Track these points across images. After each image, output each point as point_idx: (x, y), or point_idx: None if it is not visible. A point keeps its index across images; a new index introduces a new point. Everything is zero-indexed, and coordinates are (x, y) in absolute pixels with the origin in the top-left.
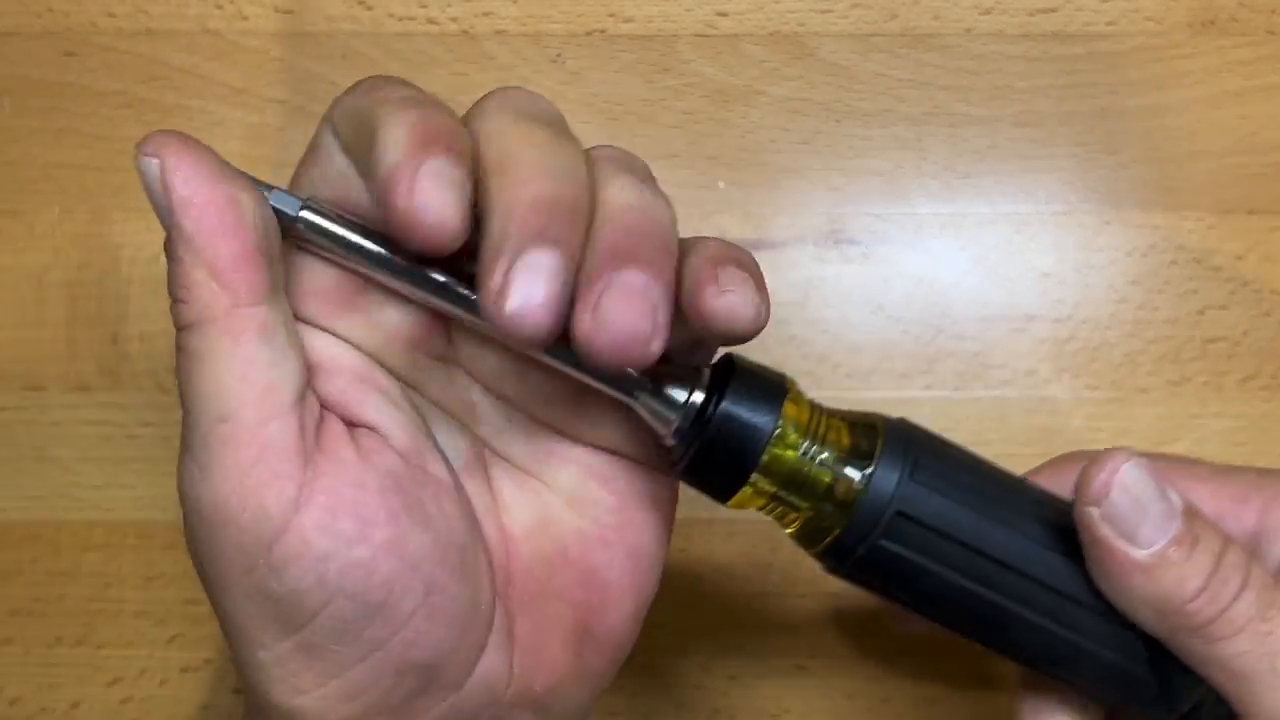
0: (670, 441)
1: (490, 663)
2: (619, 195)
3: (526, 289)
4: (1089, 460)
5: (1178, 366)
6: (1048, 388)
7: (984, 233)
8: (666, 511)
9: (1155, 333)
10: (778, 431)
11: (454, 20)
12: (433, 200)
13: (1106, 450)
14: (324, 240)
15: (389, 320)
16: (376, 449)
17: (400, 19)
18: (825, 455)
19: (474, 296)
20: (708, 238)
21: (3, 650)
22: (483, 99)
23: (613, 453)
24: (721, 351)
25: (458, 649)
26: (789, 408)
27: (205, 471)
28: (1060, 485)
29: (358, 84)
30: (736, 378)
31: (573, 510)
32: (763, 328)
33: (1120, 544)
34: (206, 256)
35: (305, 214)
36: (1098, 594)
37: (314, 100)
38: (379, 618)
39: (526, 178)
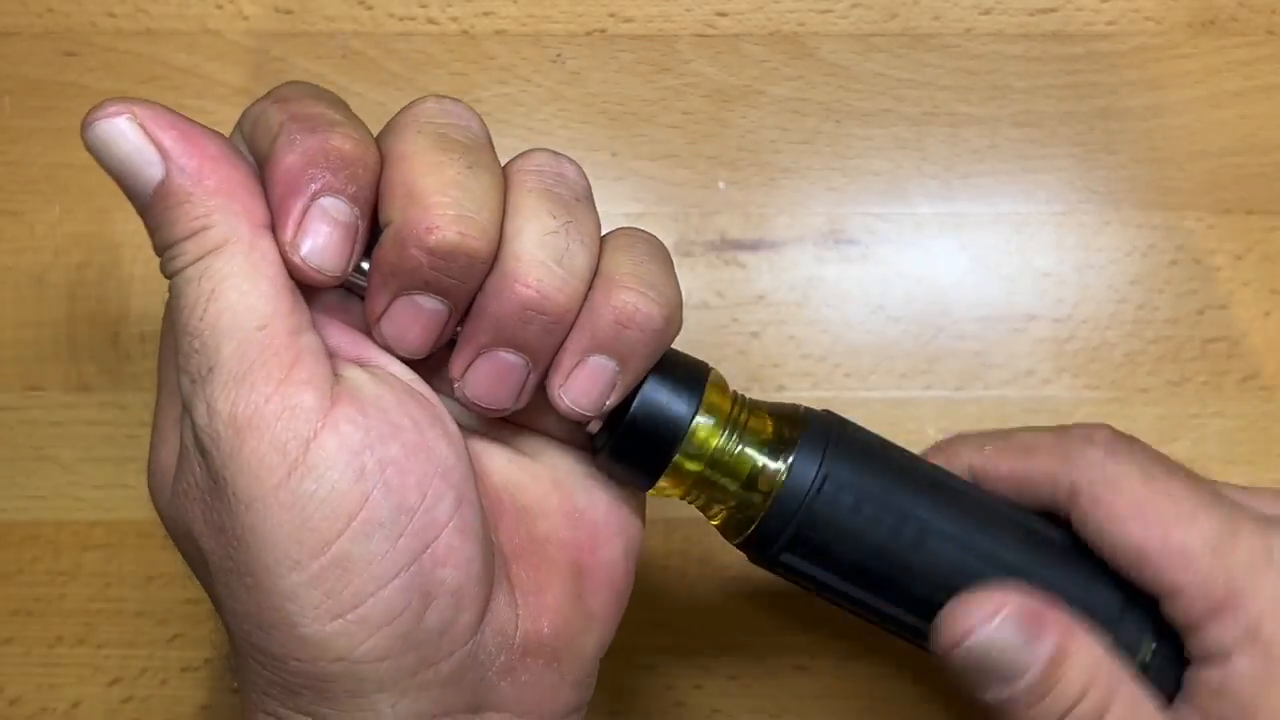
0: (594, 429)
1: (498, 607)
2: (523, 249)
3: (401, 333)
4: (956, 601)
5: (1177, 366)
6: (1048, 388)
7: (984, 233)
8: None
9: (1155, 333)
10: (697, 419)
11: (454, 20)
12: (315, 246)
13: (978, 595)
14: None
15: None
16: (386, 375)
17: (400, 19)
18: (747, 444)
19: None
20: (625, 287)
21: (3, 650)
22: (401, 112)
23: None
24: None
25: (481, 579)
26: (711, 396)
27: (241, 382)
28: (954, 465)
29: (271, 91)
30: (656, 367)
31: (548, 458)
32: (610, 407)
33: (969, 683)
34: (217, 184)
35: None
36: (1031, 559)
37: None
38: (414, 524)
39: (426, 221)
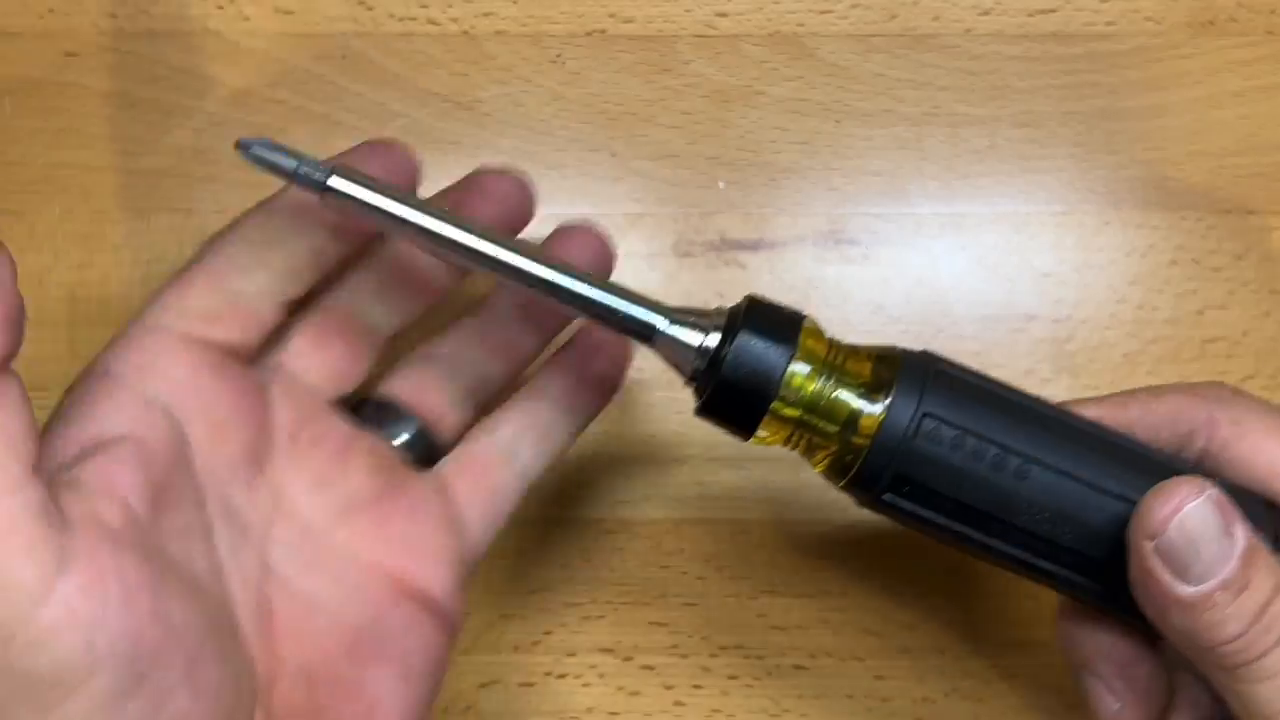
0: (690, 384)
1: None
2: None
3: None
4: (1154, 490)
5: (1177, 366)
6: (1047, 388)
7: (984, 233)
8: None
9: (1155, 333)
10: (792, 366)
11: (454, 21)
12: None
13: (1175, 480)
14: (352, 206)
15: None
16: (130, 527)
17: (401, 19)
18: (844, 387)
19: (498, 251)
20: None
21: None
22: None
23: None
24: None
25: None
26: (805, 341)
27: None
28: (1120, 422)
29: None
30: (750, 316)
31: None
32: None
33: (1166, 578)
34: None
35: (334, 182)
36: (1146, 484)
37: (315, 101)
38: (141, 693)
39: None
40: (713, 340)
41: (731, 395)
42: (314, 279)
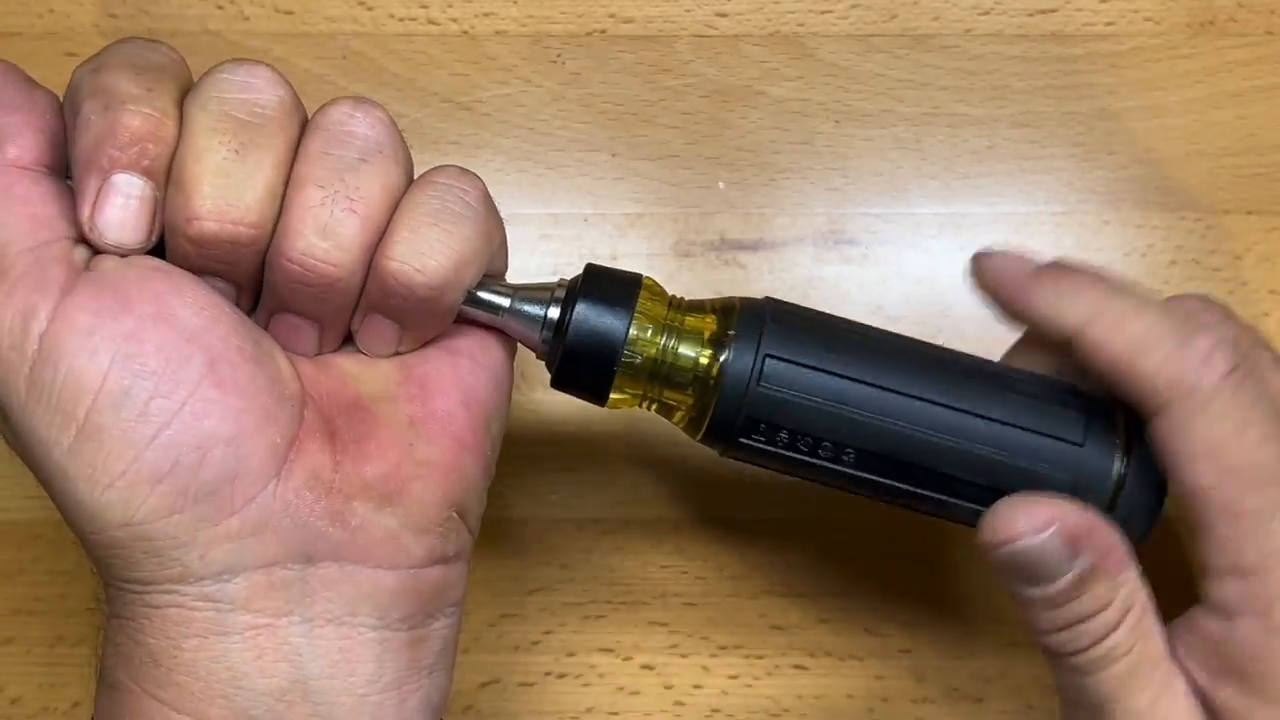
0: (543, 357)
1: (309, 450)
2: (288, 224)
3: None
4: (1008, 505)
5: None
6: None
7: (983, 233)
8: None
9: None
10: (631, 330)
11: (454, 21)
12: (111, 221)
13: (1028, 504)
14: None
15: None
16: (138, 258)
17: (401, 19)
18: (687, 344)
19: None
20: (389, 257)
21: (4, 650)
22: (199, 80)
23: None
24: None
25: (260, 427)
26: (645, 303)
27: None
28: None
29: (98, 53)
30: (587, 284)
31: None
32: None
33: (1003, 574)
34: None
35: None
36: (986, 404)
37: (315, 101)
38: (161, 385)
39: (186, 210)
40: (554, 312)
41: (578, 363)
42: None
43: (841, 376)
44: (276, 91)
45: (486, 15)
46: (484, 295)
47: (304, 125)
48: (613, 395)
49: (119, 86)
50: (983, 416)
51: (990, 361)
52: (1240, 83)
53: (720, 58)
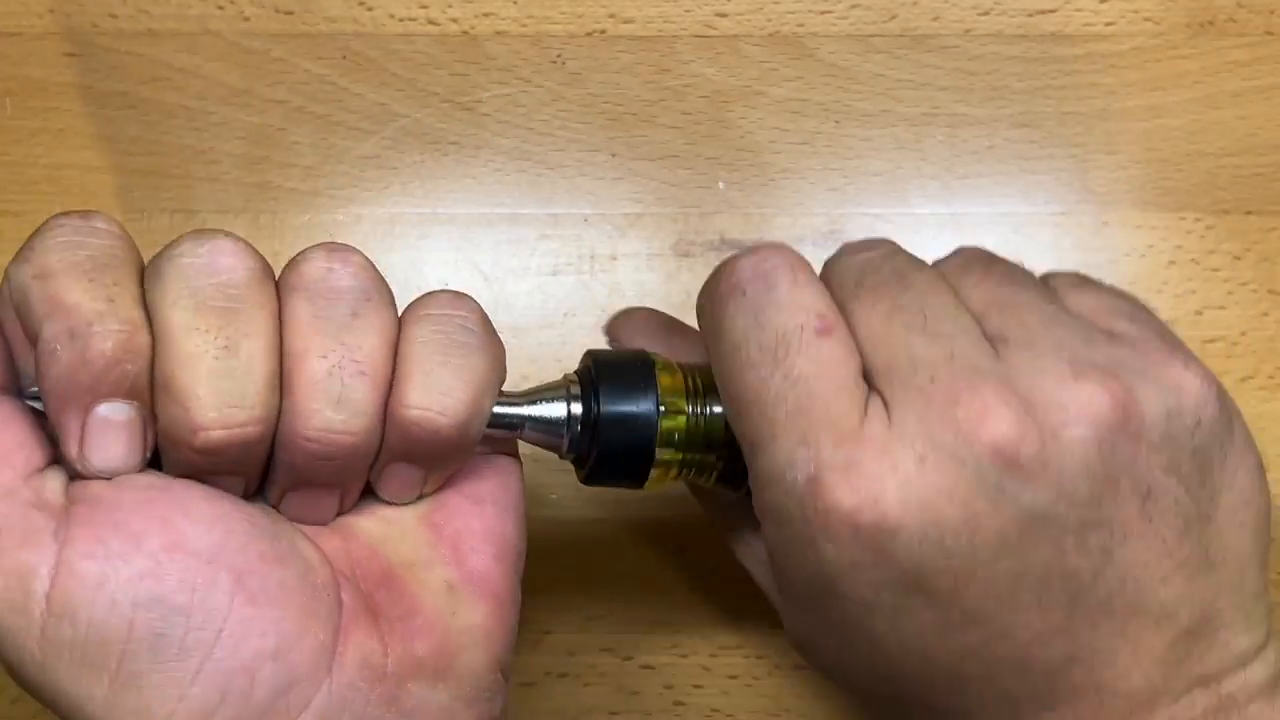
0: (568, 457)
1: (357, 639)
2: (298, 403)
3: None
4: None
5: None
6: None
7: (983, 233)
8: (506, 449)
9: None
10: (661, 408)
11: (454, 21)
12: (106, 456)
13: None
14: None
15: None
16: (125, 479)
17: (401, 20)
18: (712, 405)
19: None
20: (407, 406)
21: None
22: (159, 264)
23: None
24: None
25: (303, 629)
26: (662, 379)
27: None
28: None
29: (28, 249)
30: (602, 375)
31: None
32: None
33: None
34: None
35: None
36: None
37: (315, 101)
38: (193, 618)
39: (189, 423)
40: (576, 408)
41: (615, 456)
42: None
43: None
44: (246, 264)
45: (486, 15)
46: (502, 412)
47: (277, 285)
48: (653, 473)
49: (77, 302)
50: None
51: None
52: (1240, 83)
53: (720, 58)
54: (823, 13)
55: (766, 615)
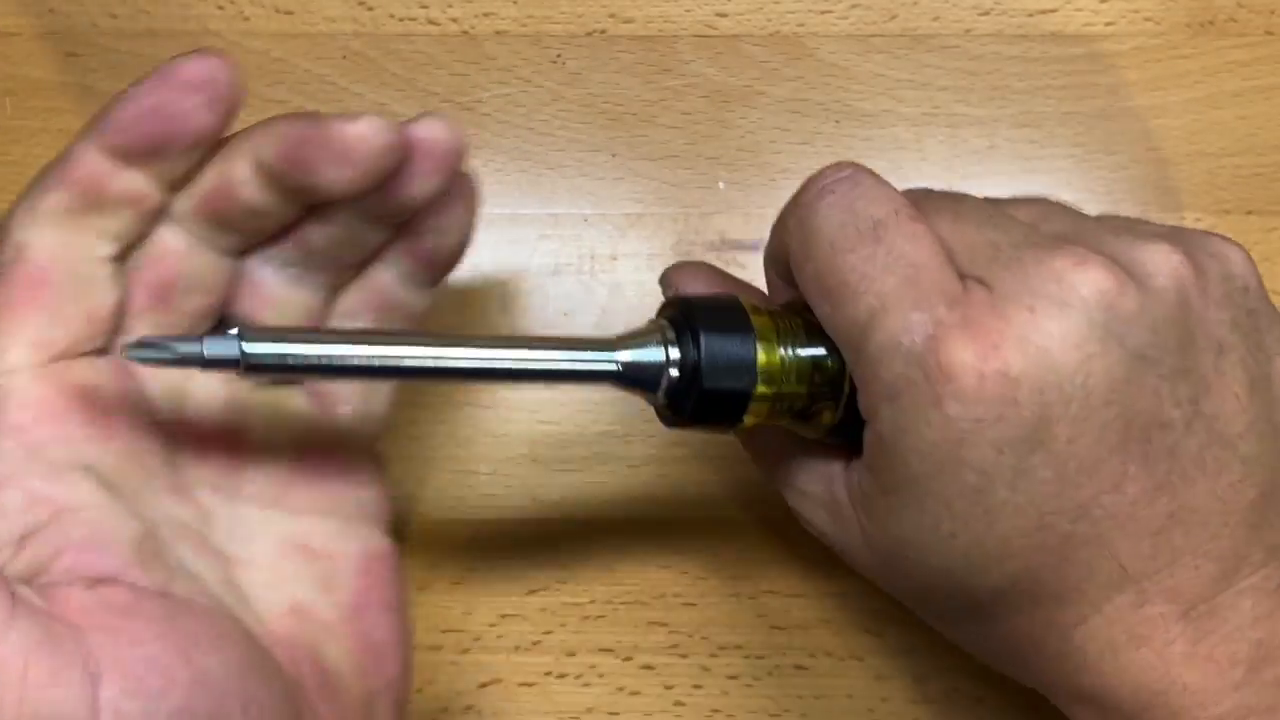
0: (660, 402)
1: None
2: None
3: None
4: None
5: None
6: None
7: None
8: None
9: None
10: (757, 347)
11: (454, 21)
12: None
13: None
14: (276, 365)
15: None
16: (132, 598)
17: (401, 20)
18: (798, 344)
19: (443, 360)
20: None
21: None
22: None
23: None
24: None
25: None
26: (754, 320)
27: None
28: None
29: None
30: (697, 317)
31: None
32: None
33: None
34: None
35: (248, 348)
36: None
37: (315, 101)
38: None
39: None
40: (675, 352)
41: (719, 402)
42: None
43: None
44: None
45: (486, 15)
46: (597, 360)
47: None
48: (746, 418)
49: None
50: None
51: None
52: (1240, 83)
53: (720, 58)
54: (823, 13)
55: (766, 616)
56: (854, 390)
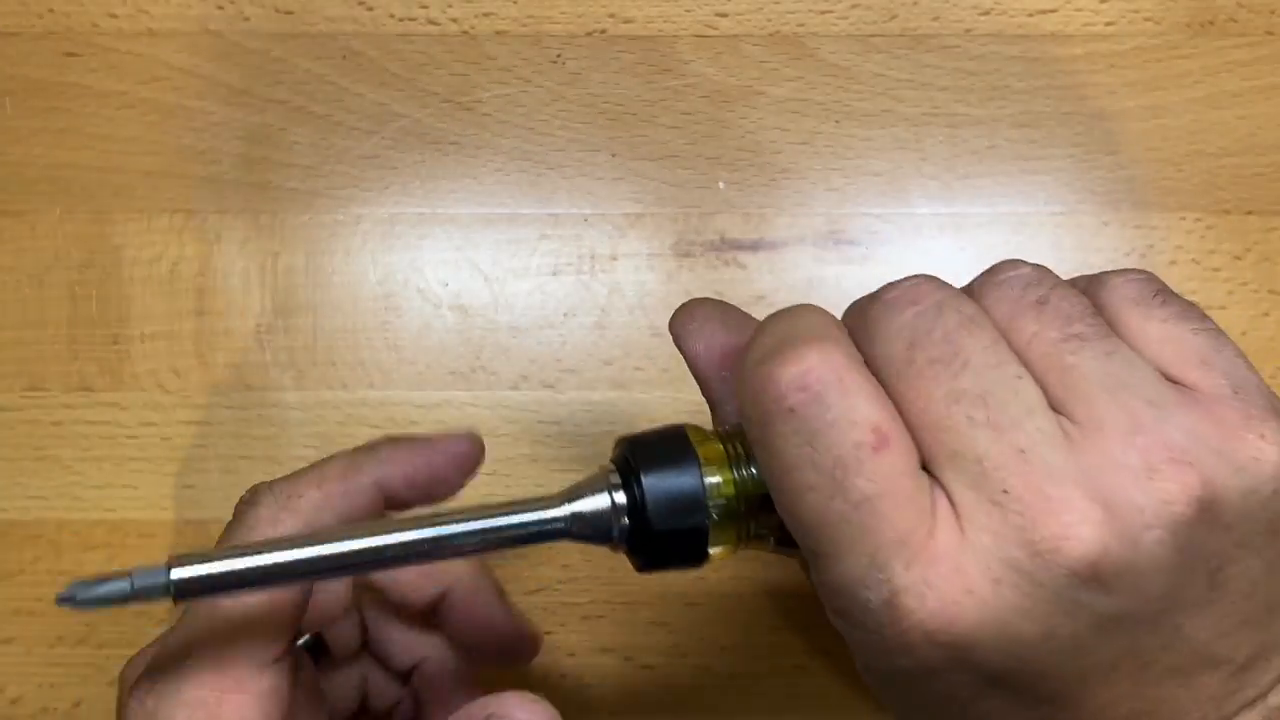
0: (620, 548)
1: None
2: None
3: None
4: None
5: None
6: None
7: (983, 233)
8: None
9: None
10: (705, 475)
11: (454, 21)
12: None
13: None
14: (213, 587)
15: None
16: None
17: (401, 19)
18: (754, 467)
19: (375, 549)
20: None
21: (4, 649)
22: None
23: None
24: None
25: None
26: (701, 450)
27: None
28: None
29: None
30: (639, 456)
31: None
32: None
33: None
34: None
35: (177, 574)
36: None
37: (315, 101)
38: None
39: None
40: (620, 496)
41: (669, 538)
42: None
43: None
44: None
45: (486, 15)
46: (541, 519)
47: None
48: (712, 551)
49: None
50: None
51: None
52: (1240, 83)
53: (720, 58)
54: (823, 13)
55: (766, 616)
56: None
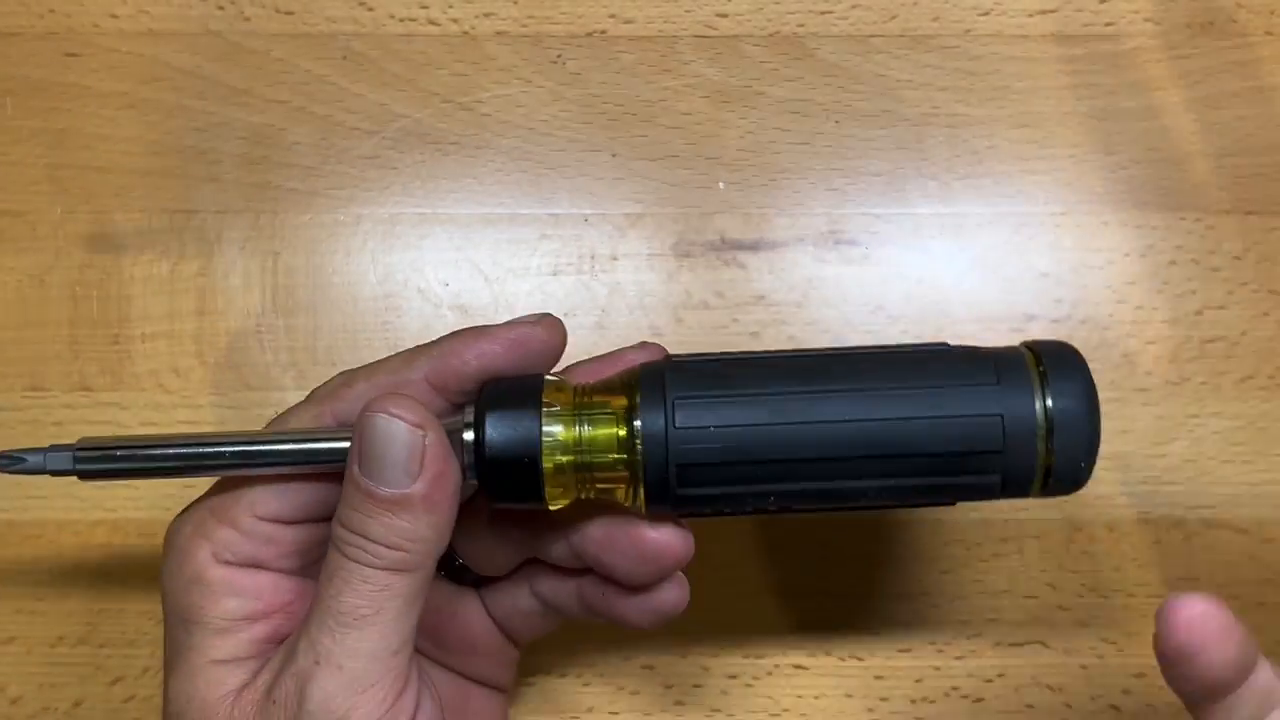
0: (472, 484)
1: None
2: None
3: None
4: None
5: (1176, 366)
6: None
7: (983, 233)
8: None
9: (1153, 333)
10: (545, 424)
11: (455, 21)
12: None
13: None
14: (114, 470)
15: None
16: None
17: (401, 20)
18: (602, 423)
19: (244, 453)
20: None
21: (5, 649)
22: None
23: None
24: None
25: None
26: (551, 395)
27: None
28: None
29: None
30: (486, 398)
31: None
32: None
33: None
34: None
35: (79, 460)
36: (895, 371)
37: (315, 101)
38: None
39: None
40: (469, 435)
41: (505, 475)
42: None
43: (751, 395)
44: None
45: (486, 15)
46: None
47: None
48: (550, 493)
49: None
50: (892, 389)
51: (889, 345)
52: (1240, 83)
53: (720, 58)
54: (823, 13)
55: (765, 616)
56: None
